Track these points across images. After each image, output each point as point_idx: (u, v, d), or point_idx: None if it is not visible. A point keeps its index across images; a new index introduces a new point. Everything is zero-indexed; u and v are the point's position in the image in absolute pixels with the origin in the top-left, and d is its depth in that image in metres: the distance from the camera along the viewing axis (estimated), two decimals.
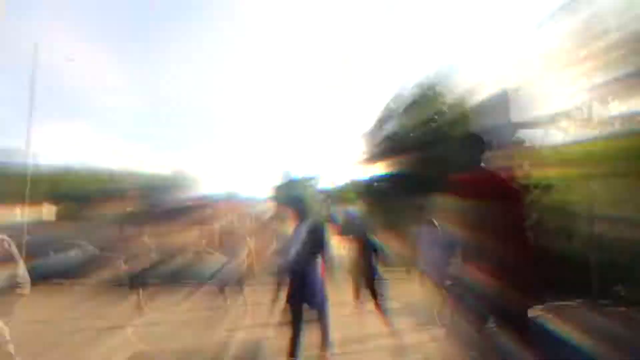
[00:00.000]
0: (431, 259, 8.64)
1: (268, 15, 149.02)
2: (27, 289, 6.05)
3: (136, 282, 11.48)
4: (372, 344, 6.80)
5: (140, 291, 11.25)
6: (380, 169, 54.16)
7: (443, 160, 46.09)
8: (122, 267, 11.56)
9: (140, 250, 11.69)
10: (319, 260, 6.13)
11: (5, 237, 6.16)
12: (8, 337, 5.70)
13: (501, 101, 14.36)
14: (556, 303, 10.70)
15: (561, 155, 13.85)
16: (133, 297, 11.14)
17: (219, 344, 7.30)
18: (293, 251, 6.30)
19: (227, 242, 10.69)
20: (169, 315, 10.29)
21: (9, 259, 5.99)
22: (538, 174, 15.71)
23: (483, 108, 15.96)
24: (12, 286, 5.90)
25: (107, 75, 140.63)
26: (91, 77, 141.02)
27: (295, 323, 6.06)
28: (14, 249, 6.11)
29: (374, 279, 11.17)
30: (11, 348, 5.69)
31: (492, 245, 3.38)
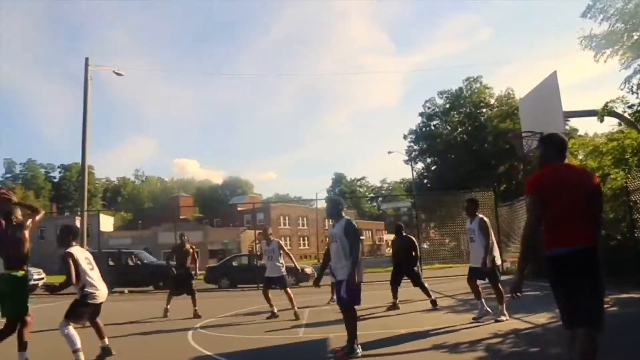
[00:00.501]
0: (473, 253, 8.66)
1: (310, 25, 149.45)
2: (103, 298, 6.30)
3: (186, 288, 11.72)
4: (426, 340, 6.74)
5: (193, 296, 11.54)
6: (428, 165, 53.56)
7: (491, 154, 44.97)
8: (174, 274, 11.78)
9: (193, 256, 11.93)
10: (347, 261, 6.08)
11: (87, 252, 6.46)
12: (79, 345, 5.91)
13: (550, 90, 13.95)
14: (617, 295, 10.33)
15: (617, 144, 13.45)
16: (191, 302, 11.40)
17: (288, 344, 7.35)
18: (331, 253, 6.38)
19: (271, 244, 10.72)
20: (229, 319, 10.46)
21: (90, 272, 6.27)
22: (593, 163, 15.30)
23: (532, 98, 15.56)
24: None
25: (158, 88, 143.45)
26: (142, 91, 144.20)
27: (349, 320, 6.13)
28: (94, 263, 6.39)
29: (416, 277, 11.16)
30: (81, 356, 5.89)
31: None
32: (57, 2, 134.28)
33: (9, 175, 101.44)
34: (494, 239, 8.59)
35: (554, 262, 3.72)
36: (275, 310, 10.28)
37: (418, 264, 11.53)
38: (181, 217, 69.23)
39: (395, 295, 11.06)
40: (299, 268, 13.10)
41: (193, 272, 11.89)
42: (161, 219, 58.20)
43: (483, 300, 8.68)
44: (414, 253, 11.30)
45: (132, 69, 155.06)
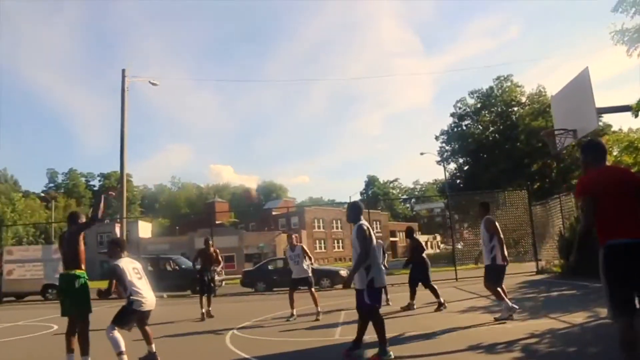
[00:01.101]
0: (485, 253, 8.66)
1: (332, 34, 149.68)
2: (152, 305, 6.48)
3: (210, 291, 12.24)
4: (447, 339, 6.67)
5: (204, 299, 11.91)
6: (461, 165, 53.02)
7: (524, 153, 44.36)
8: (200, 276, 12.26)
9: (217, 259, 12.31)
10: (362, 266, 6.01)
11: (136, 262, 6.66)
12: (123, 348, 6.06)
13: (582, 86, 13.70)
14: None
15: None
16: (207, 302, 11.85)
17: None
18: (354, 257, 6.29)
19: (295, 249, 10.93)
20: (266, 322, 10.55)
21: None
22: (628, 159, 14.92)
23: (564, 95, 15.29)
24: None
25: (192, 96, 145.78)
26: (177, 99, 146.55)
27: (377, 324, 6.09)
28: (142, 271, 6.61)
29: (426, 279, 11.09)
30: (125, 358, 6.03)
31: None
32: (93, 15, 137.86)
33: (52, 184, 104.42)
34: (497, 238, 8.49)
35: (610, 252, 3.96)
36: (295, 313, 10.47)
37: (425, 265, 11.41)
38: (217, 222, 70.02)
39: (412, 296, 11.14)
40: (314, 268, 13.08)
41: (216, 273, 12.46)
42: (197, 224, 58.98)
43: (507, 300, 8.49)
44: (417, 255, 11.36)
45: (167, 78, 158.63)
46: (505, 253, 8.54)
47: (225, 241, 49.27)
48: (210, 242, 12.63)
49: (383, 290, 6.27)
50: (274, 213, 75.10)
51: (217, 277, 15.20)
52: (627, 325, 3.85)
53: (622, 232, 3.93)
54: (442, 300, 10.59)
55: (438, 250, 71.05)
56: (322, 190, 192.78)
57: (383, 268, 6.97)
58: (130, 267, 6.47)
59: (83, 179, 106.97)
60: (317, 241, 70.99)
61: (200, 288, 12.29)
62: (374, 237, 6.26)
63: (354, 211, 6.44)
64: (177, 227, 72.59)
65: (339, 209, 77.12)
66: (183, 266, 23.15)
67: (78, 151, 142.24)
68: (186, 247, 48.94)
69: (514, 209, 22.95)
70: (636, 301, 3.84)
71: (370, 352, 6.18)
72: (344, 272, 22.09)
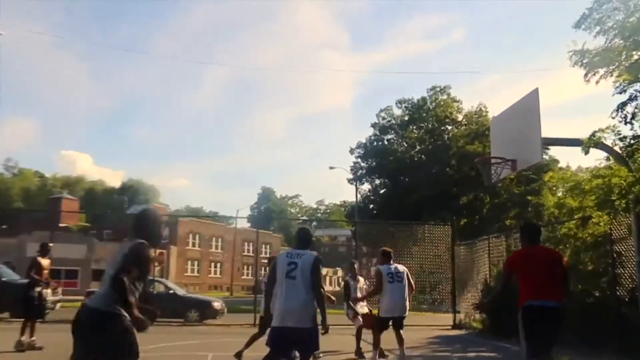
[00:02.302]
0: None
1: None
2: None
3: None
4: None
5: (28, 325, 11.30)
6: (377, 187, 53.94)
7: (454, 180, 45.65)
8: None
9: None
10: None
11: None
12: None
13: (529, 110, 14.15)
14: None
15: (603, 182, 13.71)
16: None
17: None
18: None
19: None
20: None
21: None
22: (573, 202, 15.63)
23: (507, 118, 15.77)
24: None
25: (49, 57, 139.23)
26: (28, 58, 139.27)
27: None
28: None
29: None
30: None
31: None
32: None
33: None
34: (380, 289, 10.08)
35: (526, 311, 6.39)
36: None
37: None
38: (61, 224, 66.85)
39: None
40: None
41: (46, 291, 12.10)
42: (35, 224, 55.85)
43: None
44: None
45: (16, 28, 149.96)
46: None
47: (69, 250, 47.10)
48: (50, 247, 12.17)
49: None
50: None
51: (50, 297, 14.88)
52: None
53: (539, 296, 6.34)
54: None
55: (338, 288, 71.55)
56: (204, 199, 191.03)
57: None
58: None
59: None
60: (190, 262, 69.54)
61: (26, 309, 11.56)
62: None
63: (307, 237, 6.84)
64: (5, 226, 68.59)
65: (223, 224, 76.19)
66: (4, 279, 21.61)
67: None
68: (15, 254, 46.11)
69: (434, 246, 23.47)
70: (547, 344, 6.22)
71: None
72: (218, 305, 21.74)
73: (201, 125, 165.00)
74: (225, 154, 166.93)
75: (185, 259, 67.83)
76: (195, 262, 70.84)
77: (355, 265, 12.64)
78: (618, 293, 12.29)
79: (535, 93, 14.00)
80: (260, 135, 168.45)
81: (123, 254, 5.02)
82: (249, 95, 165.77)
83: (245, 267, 76.53)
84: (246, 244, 76.48)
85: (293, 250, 6.59)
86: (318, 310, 6.27)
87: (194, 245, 71.15)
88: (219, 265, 74.55)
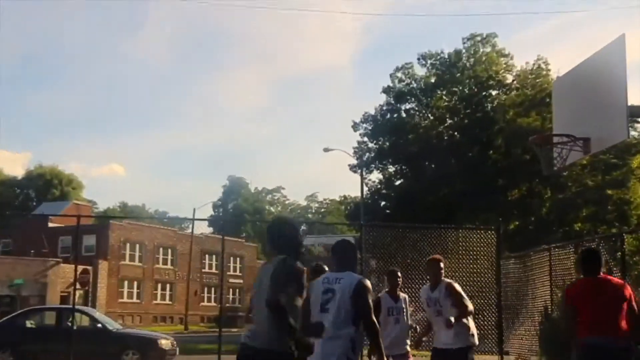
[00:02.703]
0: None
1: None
2: None
3: None
4: None
5: None
6: (390, 176, 53.94)
7: (500, 168, 45.50)
8: None
9: None
10: None
11: None
12: None
13: (611, 68, 13.93)
14: None
15: None
16: None
17: None
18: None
19: None
20: None
21: None
22: None
23: (576, 79, 15.58)
24: None
25: None
26: None
27: None
28: None
29: None
30: None
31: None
32: None
33: None
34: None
35: (584, 348, 7.81)
36: None
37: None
38: None
39: None
40: None
41: None
42: None
43: None
44: None
45: None
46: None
47: None
48: None
49: None
50: (51, 225, 72.07)
51: None
52: None
53: (596, 333, 7.67)
54: None
55: None
56: (147, 194, 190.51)
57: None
58: None
59: None
60: (127, 283, 69.23)
61: None
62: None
63: (349, 254, 7.41)
64: None
65: (174, 229, 75.99)
66: None
67: None
68: None
69: (472, 260, 23.26)
70: None
71: None
72: (166, 343, 21.73)
73: (142, 89, 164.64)
74: (177, 131, 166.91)
75: (119, 279, 67.47)
76: (135, 283, 70.52)
77: (396, 275, 12.35)
78: None
79: (620, 42, 13.78)
80: (226, 106, 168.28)
81: (270, 275, 6.17)
82: (210, 47, 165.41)
83: (207, 289, 76.53)
84: (207, 256, 76.49)
85: (332, 273, 7.20)
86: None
87: (132, 259, 70.85)
88: (168, 287, 74.38)
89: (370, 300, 6.98)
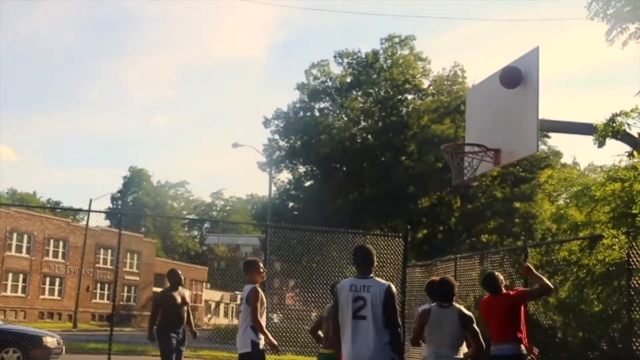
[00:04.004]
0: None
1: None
2: None
3: None
4: None
5: None
6: (300, 177, 54.04)
7: (411, 175, 45.85)
8: None
9: None
10: None
11: None
12: None
13: (525, 79, 14.28)
14: None
15: (622, 186, 13.94)
16: None
17: None
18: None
19: None
20: None
21: None
22: (578, 215, 15.92)
23: (490, 88, 15.90)
24: None
25: None
26: None
27: None
28: None
29: None
30: None
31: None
32: None
33: None
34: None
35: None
36: None
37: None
38: None
39: None
40: None
41: None
42: None
43: None
44: None
45: None
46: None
47: None
48: None
49: None
50: None
51: None
52: None
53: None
54: None
55: (236, 321, 70.67)
56: (39, 181, 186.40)
57: None
58: None
59: None
60: (12, 275, 67.66)
61: None
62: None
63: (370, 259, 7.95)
64: None
65: (67, 220, 74.71)
66: None
67: None
68: None
69: (378, 266, 23.37)
70: None
71: None
72: (52, 341, 21.41)
73: (37, 68, 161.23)
74: (75, 115, 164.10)
75: (3, 271, 65.91)
76: (20, 276, 68.95)
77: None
78: (634, 346, 12.33)
79: (534, 54, 14.05)
80: (130, 91, 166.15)
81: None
82: (114, 28, 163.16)
83: (99, 285, 75.45)
84: (102, 251, 75.25)
85: (356, 280, 7.65)
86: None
87: (19, 250, 69.24)
88: (57, 281, 72.96)
89: (397, 306, 7.76)
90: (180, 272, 13.36)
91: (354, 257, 7.87)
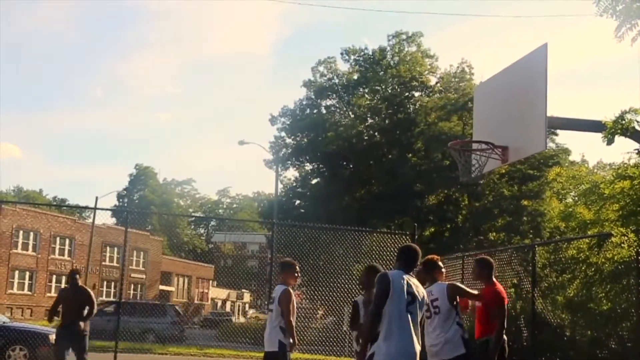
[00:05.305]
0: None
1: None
2: None
3: None
4: None
5: None
6: (307, 174, 53.97)
7: (418, 172, 45.81)
8: None
9: None
10: None
11: None
12: None
13: (532, 76, 14.22)
14: None
15: (632, 184, 13.91)
16: None
17: None
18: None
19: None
20: None
21: None
22: (586, 213, 15.85)
23: (498, 86, 15.87)
24: None
25: None
26: None
27: None
28: None
29: None
30: None
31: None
32: None
33: None
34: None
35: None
36: None
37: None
38: None
39: None
40: None
41: None
42: None
43: None
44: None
45: None
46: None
47: None
48: None
49: None
50: None
51: None
52: None
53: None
54: None
55: (243, 320, 70.88)
56: (45, 179, 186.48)
57: None
58: None
59: None
60: (18, 273, 67.72)
61: None
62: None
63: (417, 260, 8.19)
64: None
65: (73, 218, 74.68)
66: None
67: None
68: None
69: (385, 264, 23.48)
70: None
71: None
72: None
73: (41, 64, 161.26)
74: (80, 112, 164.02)
75: (9, 269, 65.95)
76: (27, 274, 68.98)
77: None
78: None
79: (542, 51, 14.02)
80: (134, 88, 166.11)
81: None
82: (118, 23, 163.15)
83: (106, 283, 75.46)
84: (109, 249, 75.34)
85: (407, 275, 7.63)
86: None
87: (25, 247, 69.32)
88: (64, 279, 72.87)
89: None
90: None
91: (405, 255, 7.92)
